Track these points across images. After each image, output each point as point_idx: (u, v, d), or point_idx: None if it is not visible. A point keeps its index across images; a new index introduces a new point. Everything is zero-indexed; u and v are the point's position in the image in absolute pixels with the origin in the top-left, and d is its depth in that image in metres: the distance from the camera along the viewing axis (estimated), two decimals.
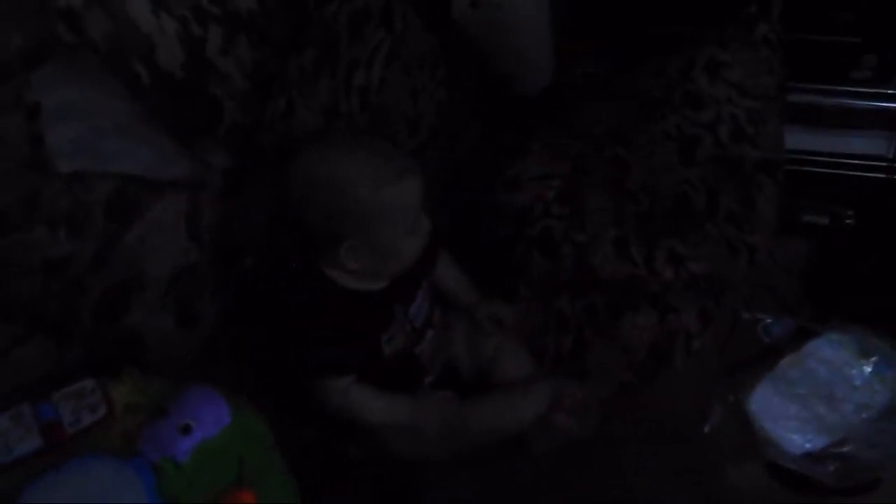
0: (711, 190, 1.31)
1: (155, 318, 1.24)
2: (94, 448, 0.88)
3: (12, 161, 1.05)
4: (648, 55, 1.43)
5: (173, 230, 1.27)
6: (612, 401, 1.23)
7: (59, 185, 1.08)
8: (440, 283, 1.23)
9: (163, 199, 1.23)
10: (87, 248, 1.12)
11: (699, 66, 1.33)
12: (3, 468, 0.85)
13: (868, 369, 1.22)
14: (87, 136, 1.12)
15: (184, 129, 1.21)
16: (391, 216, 1.04)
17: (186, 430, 0.88)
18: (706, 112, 1.32)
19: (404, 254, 1.08)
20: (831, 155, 1.55)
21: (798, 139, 1.50)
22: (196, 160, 1.25)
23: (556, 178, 1.30)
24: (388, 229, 1.05)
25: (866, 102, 1.51)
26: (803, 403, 1.20)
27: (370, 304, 1.11)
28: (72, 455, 0.87)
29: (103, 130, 1.14)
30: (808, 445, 1.16)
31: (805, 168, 1.54)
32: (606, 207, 1.28)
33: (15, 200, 1.05)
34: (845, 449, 1.15)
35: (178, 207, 1.26)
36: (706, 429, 1.21)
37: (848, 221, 1.47)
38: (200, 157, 1.25)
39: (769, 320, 1.35)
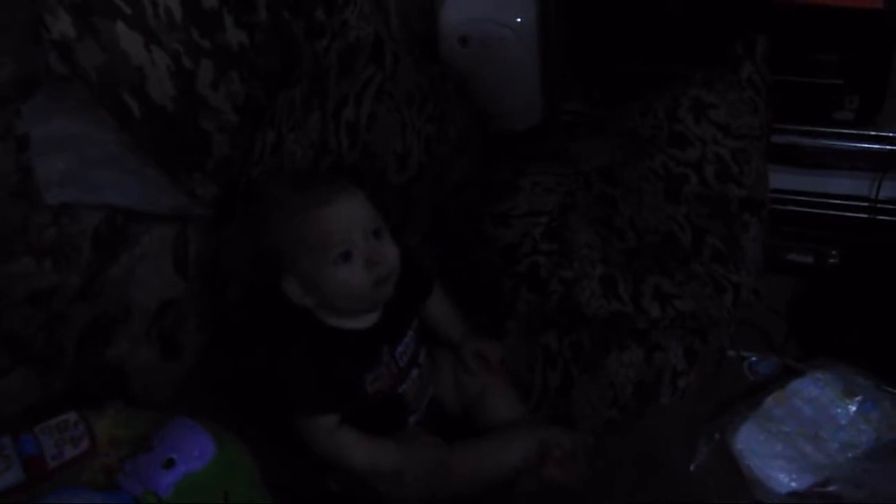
0: (697, 228, 1.31)
1: (139, 349, 1.24)
2: (76, 482, 0.87)
3: (1, 192, 1.05)
4: (636, 95, 1.45)
5: (160, 262, 1.27)
6: (597, 438, 1.23)
7: (47, 216, 1.08)
8: (429, 317, 1.22)
9: (150, 231, 1.24)
10: (72, 279, 1.12)
11: (685, 106, 1.34)
12: None
13: (853, 408, 1.22)
14: (76, 167, 1.12)
15: (173, 161, 1.22)
16: (307, 247, 1.03)
17: (170, 464, 0.87)
18: (692, 151, 1.33)
19: (349, 285, 1.04)
20: (815, 195, 1.56)
21: (782, 179, 1.52)
22: (184, 193, 1.26)
23: (544, 215, 1.30)
24: (310, 260, 1.04)
25: (849, 143, 1.53)
26: (789, 442, 1.20)
27: (356, 344, 1.10)
28: (54, 489, 0.86)
29: (92, 162, 1.14)
30: (793, 484, 1.16)
31: (789, 208, 1.56)
32: (594, 244, 1.28)
33: (1, 231, 1.05)
34: (831, 488, 1.15)
35: (165, 240, 1.27)
36: (692, 467, 1.20)
37: (832, 261, 1.48)
38: (189, 190, 1.26)
39: (754, 358, 1.36)
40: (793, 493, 1.15)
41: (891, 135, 1.52)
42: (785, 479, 1.16)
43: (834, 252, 1.49)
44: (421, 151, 1.37)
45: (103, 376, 1.18)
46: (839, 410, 1.23)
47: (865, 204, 1.53)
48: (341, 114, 1.30)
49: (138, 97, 1.12)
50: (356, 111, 1.31)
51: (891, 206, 1.52)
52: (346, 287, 1.05)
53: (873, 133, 1.52)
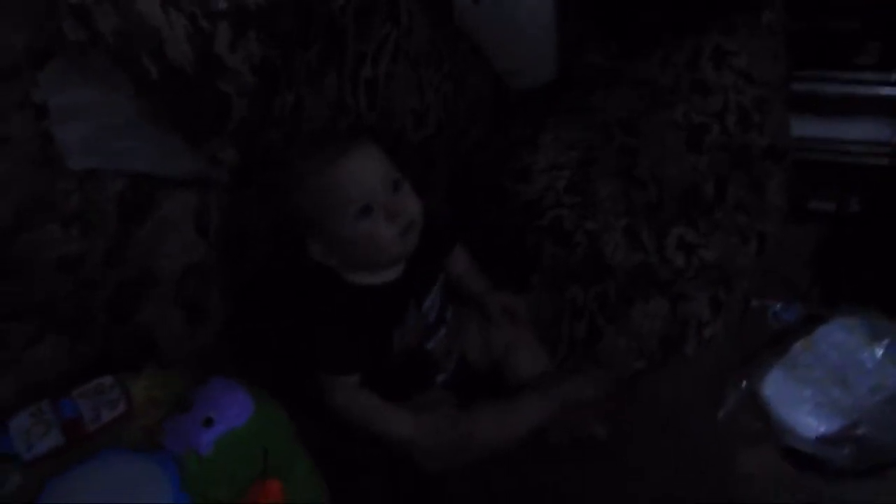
0: (720, 178, 1.31)
1: (166, 314, 1.25)
2: (116, 443, 0.88)
3: (23, 160, 1.05)
4: (655, 45, 1.43)
5: (183, 227, 1.27)
6: (624, 388, 1.23)
7: (72, 183, 1.08)
8: (452, 272, 1.22)
9: (172, 196, 1.23)
10: (99, 245, 1.12)
11: (706, 55, 1.33)
12: (26, 465, 0.85)
13: (879, 352, 1.22)
14: (97, 134, 1.12)
15: (193, 125, 1.21)
16: (327, 205, 1.03)
17: (209, 422, 0.88)
18: (713, 100, 1.32)
19: (374, 239, 1.04)
20: (836, 142, 1.56)
21: (803, 126, 1.51)
22: (205, 157, 1.25)
23: (565, 169, 1.30)
24: (334, 217, 1.03)
25: (870, 89, 1.52)
26: (816, 387, 1.20)
27: (382, 300, 1.10)
28: (94, 451, 0.87)
29: (112, 128, 1.14)
30: (822, 428, 1.17)
31: (810, 155, 1.55)
32: (616, 196, 1.28)
33: (28, 199, 1.05)
34: (859, 431, 1.16)
35: (187, 204, 1.26)
36: (720, 415, 1.21)
37: (854, 207, 1.48)
38: (209, 154, 1.25)
39: (779, 307, 1.36)
40: (822, 437, 1.16)
41: None
42: (814, 424, 1.17)
43: (855, 199, 1.49)
44: (439, 109, 1.37)
45: (132, 342, 1.19)
46: (866, 354, 1.23)
47: (886, 150, 1.53)
48: (359, 73, 1.30)
49: (156, 60, 1.12)
50: (374, 70, 1.30)
51: None
52: (370, 241, 1.04)
53: (894, 78, 1.51)
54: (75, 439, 0.89)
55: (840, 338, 1.25)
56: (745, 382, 1.22)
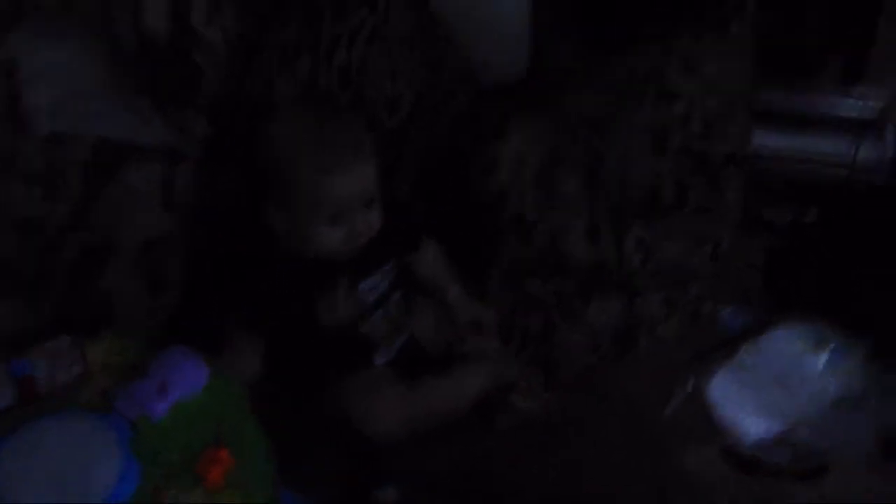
0: (681, 181, 1.34)
1: (126, 282, 1.24)
2: (70, 404, 0.89)
3: None
4: (624, 50, 1.45)
5: (148, 197, 1.26)
6: (576, 382, 1.26)
7: (37, 145, 1.08)
8: (422, 274, 1.25)
9: (139, 164, 1.23)
10: (61, 208, 1.12)
11: (674, 62, 1.35)
12: None
13: (823, 359, 1.26)
14: (66, 97, 1.12)
15: (165, 95, 1.21)
16: (309, 198, 1.08)
17: (164, 389, 0.89)
18: (679, 106, 1.34)
19: (320, 243, 1.10)
20: (795, 154, 1.59)
21: (763, 138, 1.54)
22: (174, 127, 1.25)
23: (531, 164, 1.32)
24: (302, 206, 1.08)
25: (830, 104, 1.56)
26: (760, 390, 1.24)
27: (310, 269, 1.13)
28: (47, 410, 0.88)
29: (82, 93, 1.14)
30: (763, 430, 1.20)
31: (769, 166, 1.58)
32: (579, 194, 1.30)
33: None
34: (799, 435, 1.19)
35: (153, 174, 1.26)
36: (667, 413, 1.24)
37: (809, 219, 1.52)
38: (179, 125, 1.25)
39: (730, 311, 1.39)
40: (762, 439, 1.20)
41: (871, 99, 1.55)
42: (755, 426, 1.20)
43: (811, 211, 1.52)
44: (411, 96, 1.38)
45: (91, 307, 1.19)
46: (809, 361, 1.27)
47: (844, 164, 1.56)
48: (333, 56, 1.30)
49: (133, 29, 1.12)
50: (348, 53, 1.31)
51: (869, 167, 1.55)
52: (317, 241, 1.10)
53: (855, 94, 1.55)
54: (28, 398, 0.90)
55: (786, 344, 1.29)
56: (692, 382, 1.25)
